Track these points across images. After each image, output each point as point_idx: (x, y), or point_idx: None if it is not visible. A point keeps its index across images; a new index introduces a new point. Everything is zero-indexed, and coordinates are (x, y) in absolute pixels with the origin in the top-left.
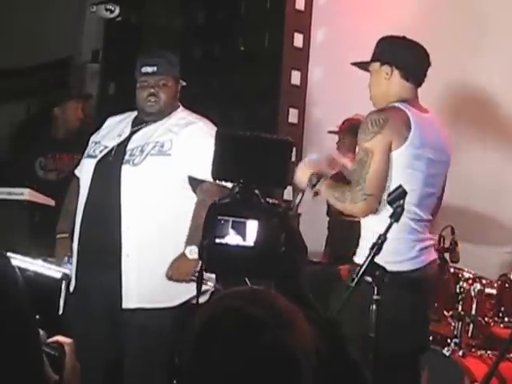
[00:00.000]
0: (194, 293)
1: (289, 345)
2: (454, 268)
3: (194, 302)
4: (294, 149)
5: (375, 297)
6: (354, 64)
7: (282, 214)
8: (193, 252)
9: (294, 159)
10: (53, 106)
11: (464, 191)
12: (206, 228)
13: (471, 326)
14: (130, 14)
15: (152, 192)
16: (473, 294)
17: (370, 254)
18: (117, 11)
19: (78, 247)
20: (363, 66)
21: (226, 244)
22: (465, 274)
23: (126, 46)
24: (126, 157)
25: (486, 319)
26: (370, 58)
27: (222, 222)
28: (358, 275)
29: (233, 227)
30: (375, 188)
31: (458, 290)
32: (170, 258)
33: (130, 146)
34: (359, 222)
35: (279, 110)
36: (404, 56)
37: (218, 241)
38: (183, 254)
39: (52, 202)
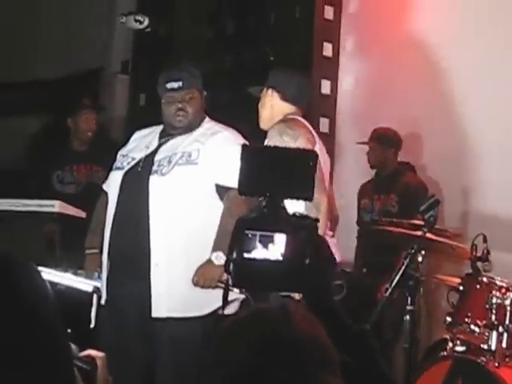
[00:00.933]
0: (219, 303)
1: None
2: (487, 277)
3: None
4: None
5: (409, 307)
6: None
7: (309, 226)
8: (219, 258)
9: None
10: (66, 118)
11: (498, 199)
12: (233, 243)
13: (505, 335)
14: (158, 25)
15: (180, 201)
16: (506, 303)
17: (402, 264)
18: (146, 22)
19: (108, 259)
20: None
21: (254, 258)
22: (498, 283)
23: (156, 57)
24: (154, 167)
25: None
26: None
27: (250, 236)
28: (392, 285)
29: (260, 241)
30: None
31: (491, 300)
32: (197, 266)
33: (157, 157)
34: (390, 230)
35: (309, 118)
36: (284, 80)
37: (245, 255)
38: (209, 260)
39: (83, 214)
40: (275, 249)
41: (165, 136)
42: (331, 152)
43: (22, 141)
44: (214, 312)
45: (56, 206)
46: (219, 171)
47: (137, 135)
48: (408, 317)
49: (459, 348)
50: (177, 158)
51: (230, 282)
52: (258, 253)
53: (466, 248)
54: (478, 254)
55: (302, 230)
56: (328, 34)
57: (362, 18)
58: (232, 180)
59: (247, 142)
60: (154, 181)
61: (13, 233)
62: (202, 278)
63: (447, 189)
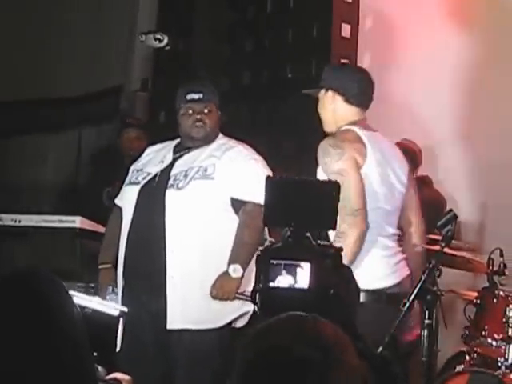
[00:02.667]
0: (238, 313)
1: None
2: (504, 291)
3: (235, 325)
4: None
5: (427, 321)
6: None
7: (334, 255)
8: (236, 270)
9: None
10: (114, 136)
11: None
12: (259, 272)
13: None
14: (178, 43)
15: (196, 215)
16: None
17: (421, 278)
18: (165, 40)
19: (123, 274)
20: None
21: (279, 287)
22: None
23: (175, 75)
24: (170, 181)
25: None
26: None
27: (275, 265)
28: (410, 299)
29: (285, 270)
30: (361, 202)
31: (507, 314)
32: (213, 279)
33: (173, 172)
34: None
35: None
36: (346, 81)
37: (271, 285)
38: (227, 273)
39: (103, 229)
40: (300, 277)
41: (179, 150)
42: None
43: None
44: (229, 324)
45: (77, 221)
46: (235, 185)
47: (150, 150)
48: (426, 331)
49: (476, 361)
50: (193, 173)
51: (256, 309)
52: (283, 281)
53: (482, 262)
54: (495, 268)
55: (326, 259)
56: (345, 52)
57: (378, 35)
58: (247, 194)
59: (260, 157)
60: (171, 195)
61: (35, 248)
62: (221, 290)
63: (463, 203)
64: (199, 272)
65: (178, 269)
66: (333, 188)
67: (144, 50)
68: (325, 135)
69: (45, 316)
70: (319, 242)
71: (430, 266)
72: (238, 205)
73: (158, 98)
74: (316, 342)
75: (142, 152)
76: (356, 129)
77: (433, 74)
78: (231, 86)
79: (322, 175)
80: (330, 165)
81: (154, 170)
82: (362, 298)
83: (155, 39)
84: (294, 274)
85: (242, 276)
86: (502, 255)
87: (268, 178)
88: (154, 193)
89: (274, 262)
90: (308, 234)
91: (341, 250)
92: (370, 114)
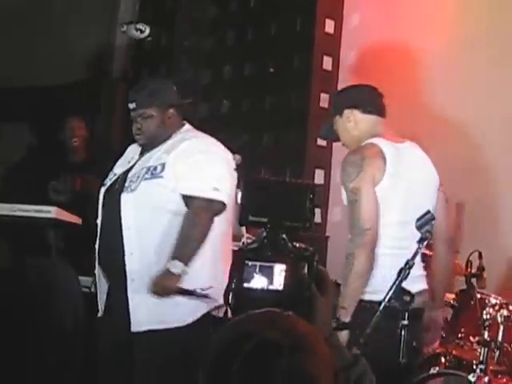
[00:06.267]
0: (205, 310)
1: (307, 367)
2: (481, 294)
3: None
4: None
5: (404, 322)
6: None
7: (309, 257)
8: (176, 266)
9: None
10: (56, 127)
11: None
12: (234, 273)
13: (497, 352)
14: (160, 34)
15: (148, 215)
16: (499, 320)
17: (396, 279)
18: (147, 31)
19: (98, 272)
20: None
21: (253, 288)
22: (491, 299)
23: (156, 66)
24: (126, 184)
25: None
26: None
27: (250, 266)
28: (385, 300)
29: (260, 271)
30: (371, 221)
31: (484, 316)
32: None
33: (130, 174)
34: None
35: (307, 134)
36: (355, 94)
37: (245, 285)
38: (167, 269)
39: (79, 221)
40: (275, 279)
41: (143, 151)
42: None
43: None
44: (198, 321)
45: (53, 212)
46: (182, 182)
47: (129, 148)
48: (403, 332)
49: (451, 364)
50: (143, 173)
51: (229, 311)
52: (258, 282)
53: (460, 264)
54: (473, 271)
55: (301, 261)
56: (328, 48)
57: (363, 33)
58: (193, 189)
59: (219, 149)
60: (125, 198)
61: (9, 237)
62: (160, 286)
63: None
64: (155, 272)
65: (136, 271)
66: (308, 189)
67: (125, 40)
68: (303, 133)
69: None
70: (295, 243)
71: (407, 266)
72: (187, 201)
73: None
74: (288, 331)
75: (85, 141)
76: (379, 142)
77: (414, 73)
78: (213, 79)
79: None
80: (346, 183)
81: (120, 171)
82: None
83: (136, 30)
84: (268, 276)
85: (184, 272)
86: (480, 257)
87: (246, 179)
88: (113, 196)
89: (249, 263)
90: (284, 236)
91: (315, 252)
92: None
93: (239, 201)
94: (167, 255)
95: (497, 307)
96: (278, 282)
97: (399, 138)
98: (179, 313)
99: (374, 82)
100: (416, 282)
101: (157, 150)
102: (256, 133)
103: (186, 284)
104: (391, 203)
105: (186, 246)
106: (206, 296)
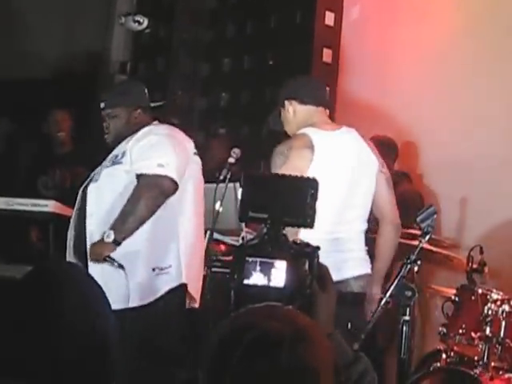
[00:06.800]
0: (166, 288)
1: (307, 358)
2: (482, 289)
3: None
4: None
5: (405, 317)
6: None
7: (309, 253)
8: (109, 236)
9: None
10: (40, 120)
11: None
12: (234, 270)
13: (499, 348)
14: (158, 27)
15: (111, 202)
16: (501, 315)
17: (398, 273)
18: (145, 23)
19: None
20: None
21: (254, 285)
22: (493, 295)
23: (154, 58)
24: (96, 176)
25: None
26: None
27: (250, 262)
28: (387, 295)
29: (261, 268)
30: None
31: (485, 312)
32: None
33: (97, 169)
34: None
35: None
36: (293, 87)
37: (245, 282)
38: (101, 238)
39: None
40: (275, 276)
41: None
42: None
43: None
44: (161, 299)
45: (50, 205)
46: (135, 163)
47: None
48: (404, 327)
49: (453, 360)
50: (106, 163)
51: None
52: (258, 279)
53: (462, 259)
54: (474, 266)
55: (302, 257)
56: (328, 40)
57: (363, 25)
58: (141, 167)
59: (180, 135)
60: (89, 188)
61: (8, 231)
62: (92, 252)
63: (444, 199)
64: (125, 254)
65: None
66: (311, 185)
67: (123, 32)
68: None
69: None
70: (296, 240)
71: (408, 261)
72: (138, 180)
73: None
74: (288, 322)
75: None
76: (310, 132)
77: (417, 67)
78: (212, 71)
79: None
80: (273, 169)
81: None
82: None
83: (134, 21)
84: (269, 272)
85: (117, 242)
86: (481, 252)
87: (245, 174)
88: (85, 189)
89: (250, 259)
90: (285, 232)
91: (318, 248)
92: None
93: (239, 196)
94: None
95: (498, 303)
96: (279, 279)
97: (334, 126)
98: (139, 293)
99: (373, 75)
100: (357, 266)
101: (123, 143)
102: (255, 125)
103: (144, 259)
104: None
105: (124, 219)
106: (121, 266)
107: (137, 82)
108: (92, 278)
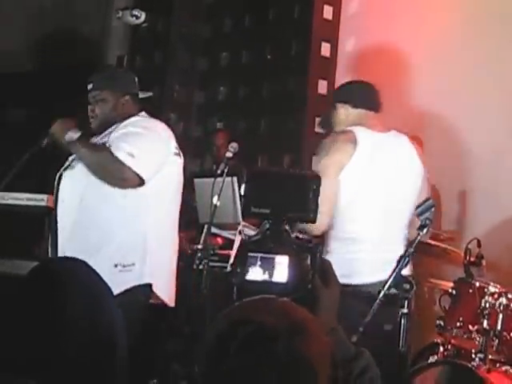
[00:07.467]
0: (128, 285)
1: (303, 351)
2: (480, 282)
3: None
4: None
5: (403, 310)
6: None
7: (312, 249)
8: (71, 136)
9: None
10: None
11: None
12: (236, 265)
13: (496, 340)
14: (156, 21)
15: (84, 191)
16: (498, 308)
17: (396, 267)
18: (143, 17)
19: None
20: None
21: (255, 280)
22: (490, 288)
23: (152, 52)
24: (73, 163)
25: None
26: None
27: (252, 258)
28: (385, 288)
29: (262, 263)
30: (324, 206)
31: (483, 305)
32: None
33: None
34: None
35: (305, 121)
36: (348, 90)
37: (248, 278)
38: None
39: None
40: (277, 271)
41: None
42: None
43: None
44: (123, 294)
45: (45, 199)
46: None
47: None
48: (402, 320)
49: (450, 353)
50: None
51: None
52: (260, 275)
53: (459, 252)
54: (472, 259)
55: (304, 253)
56: (326, 34)
57: (362, 19)
58: (116, 149)
59: (161, 128)
60: (64, 174)
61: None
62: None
63: (443, 192)
64: (88, 246)
65: (68, 247)
66: (314, 181)
67: (121, 26)
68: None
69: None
70: (298, 235)
71: (406, 253)
72: None
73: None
74: (284, 315)
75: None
76: (357, 129)
77: (414, 61)
78: (210, 66)
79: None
80: (315, 163)
81: (73, 156)
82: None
83: (132, 16)
84: (271, 268)
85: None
86: (479, 246)
87: (249, 169)
88: (61, 176)
89: (252, 254)
90: (287, 227)
91: (320, 244)
92: None
93: (242, 192)
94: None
95: (496, 295)
96: (281, 274)
97: (384, 128)
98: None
99: (372, 69)
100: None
101: (104, 133)
102: (253, 120)
103: (105, 254)
104: (362, 187)
105: (85, 146)
106: None
107: (127, 70)
108: (97, 273)
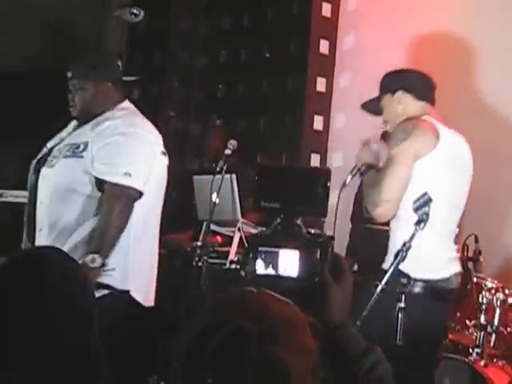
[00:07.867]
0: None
1: (277, 356)
2: (477, 277)
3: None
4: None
5: (401, 304)
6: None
7: (322, 243)
8: (95, 261)
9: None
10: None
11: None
12: (246, 260)
13: (493, 335)
14: (154, 19)
15: (61, 195)
16: (495, 303)
17: (394, 261)
18: (141, 15)
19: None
20: (373, 106)
21: (266, 275)
22: (488, 283)
23: (152, 51)
24: (49, 158)
25: (509, 329)
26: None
27: (263, 252)
28: (383, 282)
29: (272, 258)
30: (393, 194)
31: (480, 300)
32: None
33: (56, 148)
34: (384, 230)
35: (304, 119)
36: (411, 79)
37: (258, 272)
38: (84, 264)
39: None
40: (287, 265)
41: (77, 125)
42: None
43: None
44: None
45: None
46: (97, 163)
47: (72, 122)
48: (400, 314)
49: (447, 348)
50: (65, 150)
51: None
52: (270, 269)
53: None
54: (470, 255)
55: (315, 247)
56: (325, 31)
57: (361, 16)
58: (106, 173)
59: (147, 130)
60: (43, 172)
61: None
62: None
63: None
64: (68, 248)
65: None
66: (324, 175)
67: (119, 24)
68: (299, 117)
69: (42, 301)
70: (310, 230)
71: (404, 248)
72: (98, 184)
73: (132, 73)
74: (258, 317)
75: None
76: (435, 121)
77: (414, 59)
78: (209, 63)
79: None
80: (390, 147)
81: (51, 144)
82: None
83: (131, 14)
84: (282, 262)
85: (103, 264)
86: (476, 241)
87: (259, 164)
88: (36, 170)
89: (262, 249)
90: (298, 222)
91: (332, 238)
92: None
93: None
94: (77, 239)
95: (493, 291)
96: (291, 269)
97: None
98: None
99: (371, 66)
100: (458, 263)
101: (86, 126)
102: (252, 118)
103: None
104: (434, 181)
105: (102, 240)
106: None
107: (109, 54)
108: (72, 259)
